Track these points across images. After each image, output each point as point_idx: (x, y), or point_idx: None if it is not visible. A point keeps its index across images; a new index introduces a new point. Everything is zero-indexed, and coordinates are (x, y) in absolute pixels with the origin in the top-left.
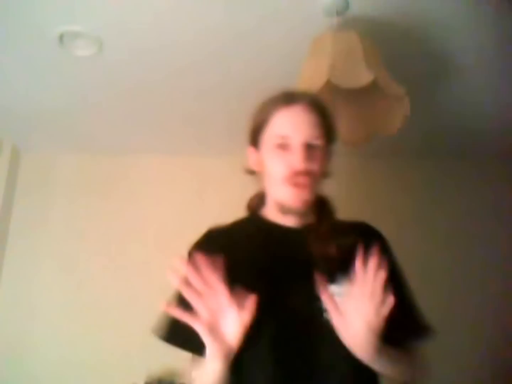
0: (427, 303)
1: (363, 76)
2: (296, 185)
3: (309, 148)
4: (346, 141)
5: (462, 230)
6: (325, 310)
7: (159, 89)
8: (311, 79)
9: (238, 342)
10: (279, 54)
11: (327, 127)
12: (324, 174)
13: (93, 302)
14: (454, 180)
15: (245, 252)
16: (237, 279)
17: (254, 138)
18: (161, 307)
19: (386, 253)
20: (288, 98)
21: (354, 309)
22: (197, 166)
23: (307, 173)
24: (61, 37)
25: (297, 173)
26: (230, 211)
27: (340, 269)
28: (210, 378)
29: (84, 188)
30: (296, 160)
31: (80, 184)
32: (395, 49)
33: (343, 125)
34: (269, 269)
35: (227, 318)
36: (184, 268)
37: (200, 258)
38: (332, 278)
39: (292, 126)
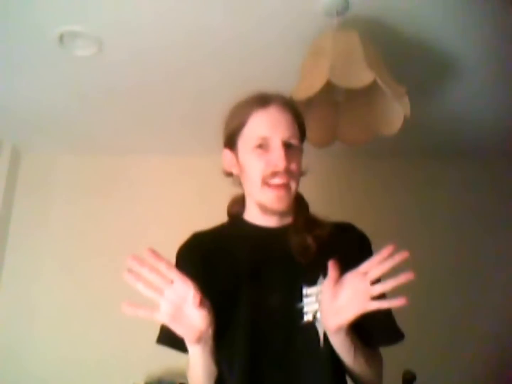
0: (430, 302)
1: (363, 76)
2: (276, 187)
3: (287, 147)
4: (346, 141)
5: (465, 229)
6: (306, 313)
7: (158, 89)
8: (311, 79)
9: (206, 322)
10: (279, 54)
11: (300, 127)
12: (301, 173)
13: (93, 302)
14: (456, 180)
15: (228, 254)
16: (219, 280)
17: (230, 141)
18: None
19: (368, 254)
20: (262, 100)
21: (349, 288)
22: (197, 166)
23: (287, 171)
24: (61, 37)
25: (277, 173)
26: None
27: (318, 269)
28: (195, 365)
29: (84, 189)
30: (278, 158)
31: (80, 184)
32: (395, 49)
33: (344, 125)
34: (251, 270)
35: (187, 304)
36: (137, 266)
37: (151, 253)
38: (310, 278)
39: (270, 127)
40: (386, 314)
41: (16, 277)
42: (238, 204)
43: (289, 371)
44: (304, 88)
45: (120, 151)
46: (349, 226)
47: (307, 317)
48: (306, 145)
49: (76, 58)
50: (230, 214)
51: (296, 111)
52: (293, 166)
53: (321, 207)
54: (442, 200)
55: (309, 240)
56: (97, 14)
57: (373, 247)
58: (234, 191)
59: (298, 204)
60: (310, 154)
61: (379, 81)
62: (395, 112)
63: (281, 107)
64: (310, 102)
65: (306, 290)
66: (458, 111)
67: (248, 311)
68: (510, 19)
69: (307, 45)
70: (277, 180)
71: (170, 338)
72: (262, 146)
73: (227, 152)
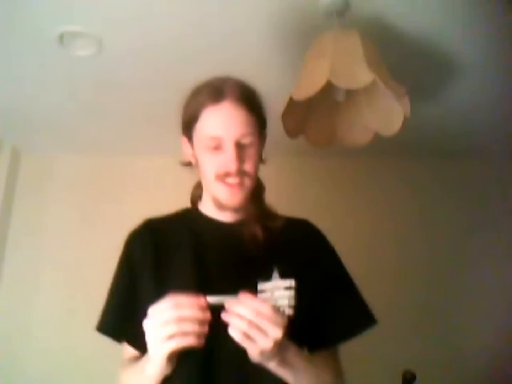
0: (430, 301)
1: (363, 76)
2: (230, 185)
3: (241, 146)
4: (347, 141)
5: (464, 229)
6: None
7: (159, 89)
8: (311, 79)
9: None
10: (279, 54)
11: (258, 118)
12: (260, 162)
13: (93, 302)
14: (456, 180)
15: (179, 247)
16: (169, 275)
17: (186, 131)
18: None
19: (325, 250)
20: (216, 94)
21: None
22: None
23: (240, 172)
24: (61, 37)
25: (230, 173)
26: None
27: (272, 264)
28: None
29: (84, 189)
30: (229, 161)
31: (80, 184)
32: (395, 49)
33: (344, 125)
34: (203, 267)
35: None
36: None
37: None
38: (264, 274)
39: (222, 126)
40: (352, 300)
41: (16, 277)
42: (199, 191)
43: (246, 373)
44: (304, 88)
45: (119, 152)
46: (304, 222)
47: None
48: (307, 144)
49: (76, 58)
50: (192, 200)
51: (252, 103)
52: (248, 166)
53: (321, 205)
54: (442, 200)
55: (258, 230)
56: (97, 14)
57: (330, 241)
58: None
59: (254, 197)
60: (310, 153)
61: (379, 81)
62: (395, 112)
63: (235, 102)
64: (310, 102)
65: (260, 286)
66: (458, 111)
67: None
68: (510, 18)
69: (307, 45)
70: (231, 180)
71: (114, 328)
72: (215, 145)
73: (185, 141)
